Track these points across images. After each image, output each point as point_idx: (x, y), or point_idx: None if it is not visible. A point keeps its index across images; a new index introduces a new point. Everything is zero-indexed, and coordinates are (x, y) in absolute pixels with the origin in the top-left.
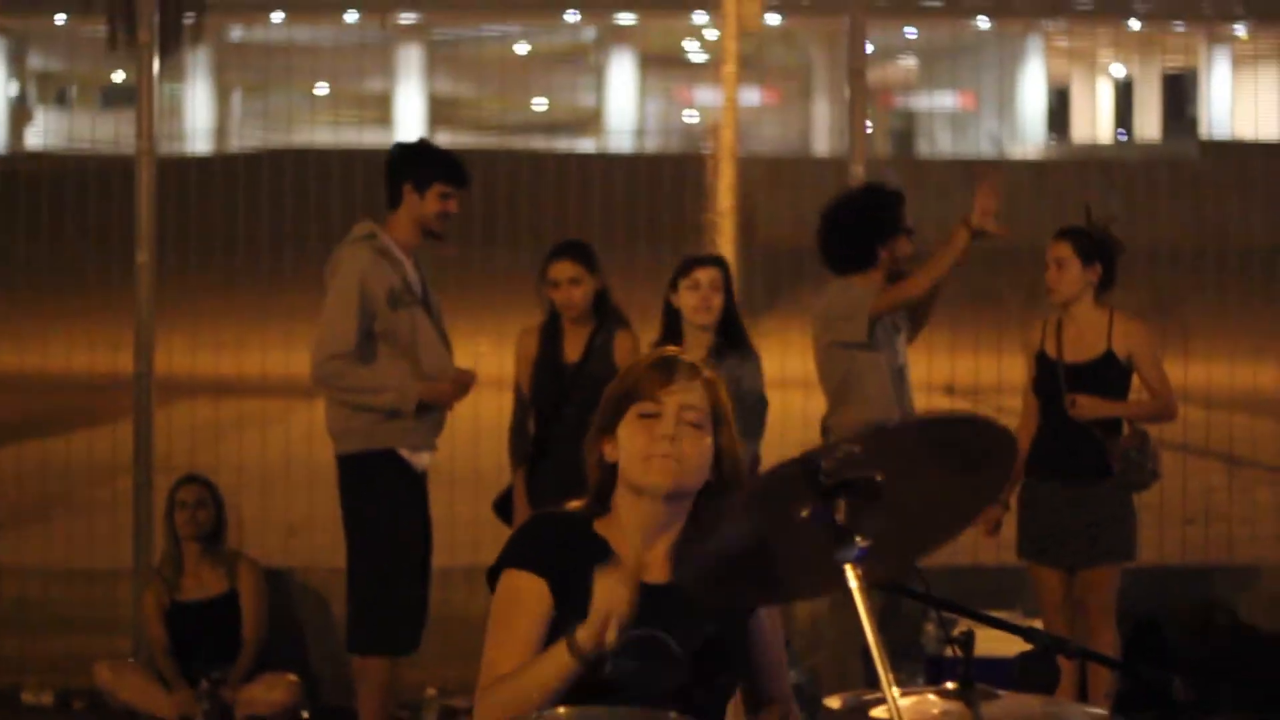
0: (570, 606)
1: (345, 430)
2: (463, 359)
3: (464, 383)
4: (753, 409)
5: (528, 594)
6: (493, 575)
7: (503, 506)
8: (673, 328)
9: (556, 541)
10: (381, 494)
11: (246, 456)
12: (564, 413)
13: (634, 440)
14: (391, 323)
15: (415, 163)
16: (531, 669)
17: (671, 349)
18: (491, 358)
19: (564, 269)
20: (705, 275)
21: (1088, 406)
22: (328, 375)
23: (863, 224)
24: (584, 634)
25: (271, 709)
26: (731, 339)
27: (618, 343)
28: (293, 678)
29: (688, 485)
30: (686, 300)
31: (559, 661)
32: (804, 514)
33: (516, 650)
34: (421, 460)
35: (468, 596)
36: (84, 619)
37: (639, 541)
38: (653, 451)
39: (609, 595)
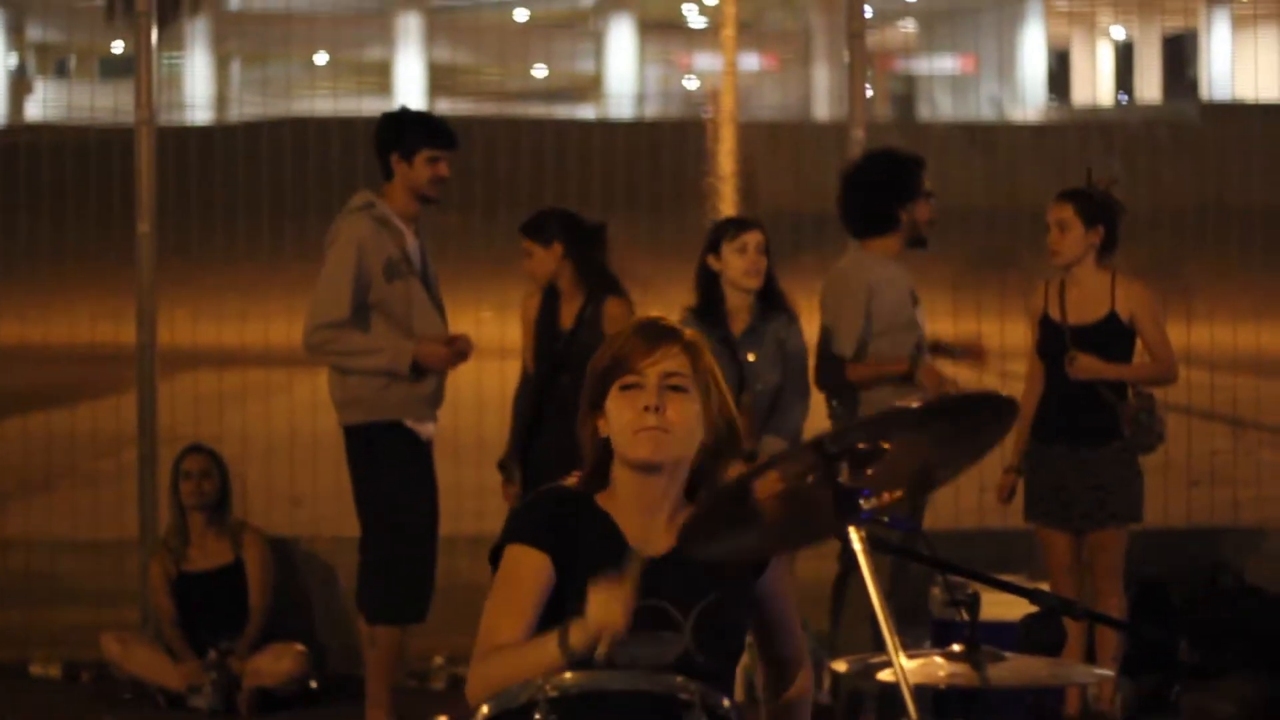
0: (573, 581)
1: (349, 401)
2: (465, 327)
3: (460, 349)
4: (797, 372)
5: (528, 567)
6: (495, 555)
7: (506, 466)
8: (711, 291)
9: (558, 517)
10: (388, 465)
11: (250, 427)
12: (560, 380)
13: (620, 414)
14: (385, 294)
15: (398, 132)
16: (522, 652)
17: (651, 315)
18: (493, 326)
19: (525, 242)
20: (753, 238)
21: (1086, 366)
22: (320, 343)
23: (883, 188)
24: (575, 638)
25: (279, 678)
26: (773, 301)
27: (606, 310)
28: (300, 647)
29: (678, 454)
30: (735, 264)
31: (549, 654)
32: (809, 480)
33: (514, 620)
34: (427, 430)
35: (474, 565)
36: (90, 591)
37: (638, 514)
38: (640, 424)
39: (605, 610)
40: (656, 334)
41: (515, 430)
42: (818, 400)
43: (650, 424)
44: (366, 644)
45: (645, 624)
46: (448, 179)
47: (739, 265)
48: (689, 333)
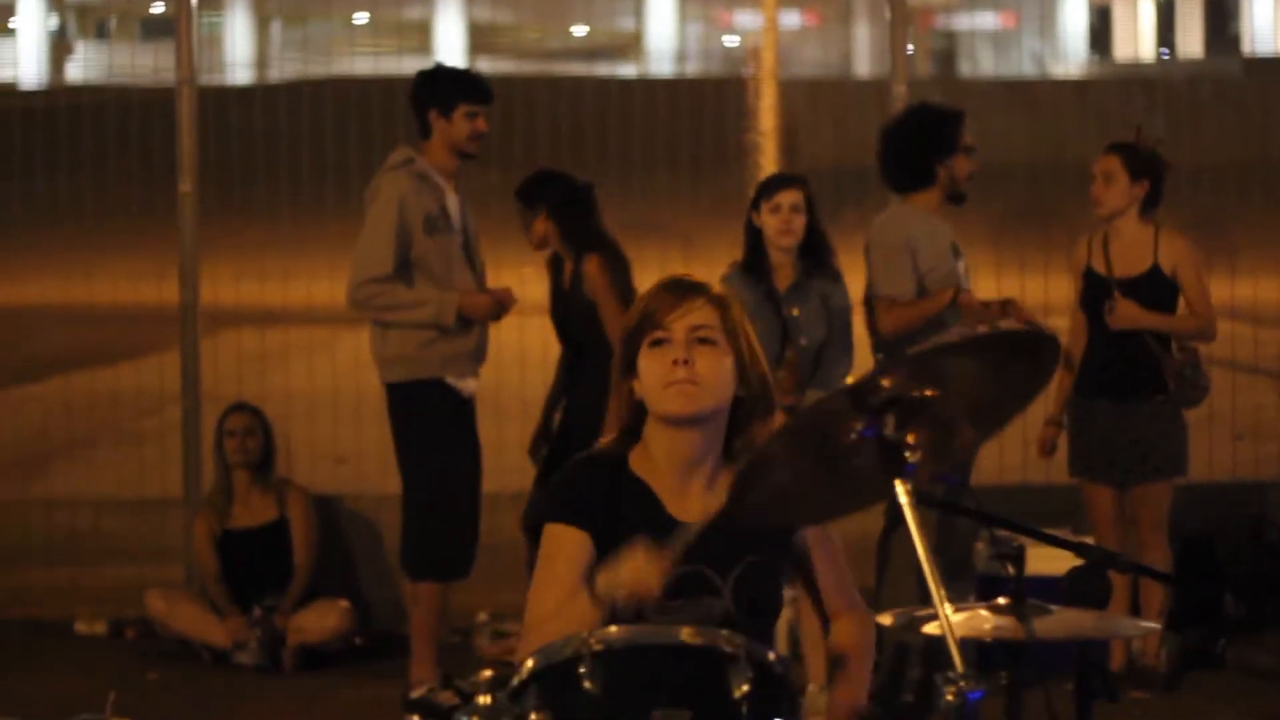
0: (609, 548)
1: (392, 359)
2: (508, 285)
3: (502, 300)
4: (843, 328)
5: (569, 546)
6: (528, 525)
7: (535, 452)
8: (757, 248)
9: (594, 488)
10: (431, 422)
11: (293, 385)
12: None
13: (650, 371)
14: (426, 248)
15: (435, 88)
16: (561, 619)
17: (678, 273)
18: (536, 283)
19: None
20: (786, 198)
21: (1125, 313)
22: (365, 298)
23: (920, 142)
24: (602, 584)
25: (324, 635)
26: (817, 258)
27: (585, 268)
28: (344, 604)
29: (709, 407)
30: (768, 223)
31: (583, 613)
32: (853, 435)
33: (558, 592)
34: (468, 387)
35: (516, 521)
36: (134, 549)
37: (674, 476)
38: (669, 379)
39: (639, 573)
40: (682, 289)
41: (544, 407)
42: (862, 356)
43: (680, 377)
44: (410, 601)
45: (686, 589)
46: (486, 134)
47: (772, 224)
48: (716, 286)
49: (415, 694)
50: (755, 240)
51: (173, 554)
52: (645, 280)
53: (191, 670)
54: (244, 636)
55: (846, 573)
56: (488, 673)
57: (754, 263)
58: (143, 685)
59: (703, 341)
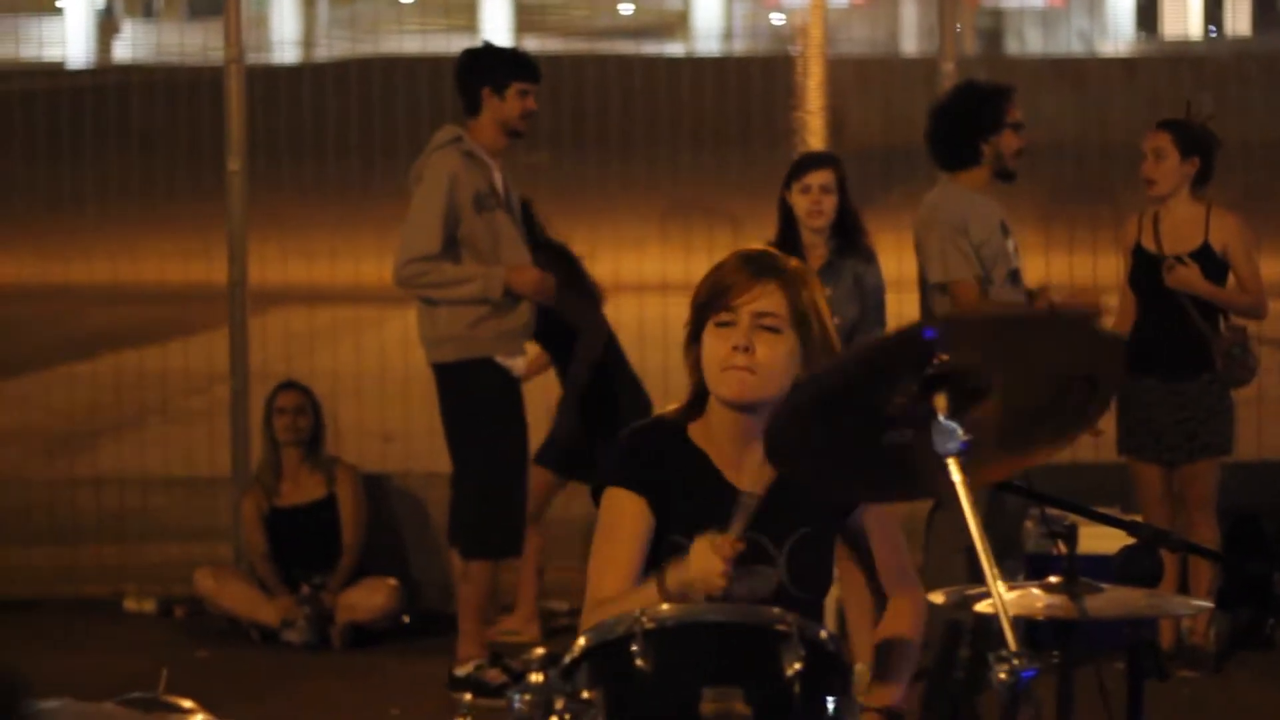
0: (670, 517)
1: (441, 339)
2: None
3: (549, 275)
4: (876, 307)
5: (628, 514)
6: (596, 491)
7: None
8: (789, 227)
9: (653, 455)
10: (481, 402)
11: (341, 364)
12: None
13: (712, 350)
14: (474, 226)
15: (489, 65)
16: (626, 600)
17: (754, 247)
18: (584, 263)
19: None
20: (816, 178)
21: (1183, 276)
22: (412, 275)
23: (966, 120)
24: (672, 581)
25: (372, 613)
26: (850, 238)
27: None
28: (393, 582)
29: (765, 395)
30: (799, 203)
31: (649, 600)
32: (904, 400)
33: (618, 568)
34: (517, 365)
35: (564, 500)
36: (183, 527)
37: (732, 449)
38: (728, 363)
39: (705, 565)
40: (757, 269)
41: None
42: None
43: (738, 364)
44: (460, 579)
45: (741, 558)
46: (536, 113)
47: (802, 204)
48: (793, 264)
49: (461, 671)
50: (788, 219)
51: (221, 533)
52: (695, 264)
53: (240, 648)
54: (293, 614)
55: (905, 553)
56: (540, 650)
57: (786, 242)
58: (192, 663)
59: (767, 328)
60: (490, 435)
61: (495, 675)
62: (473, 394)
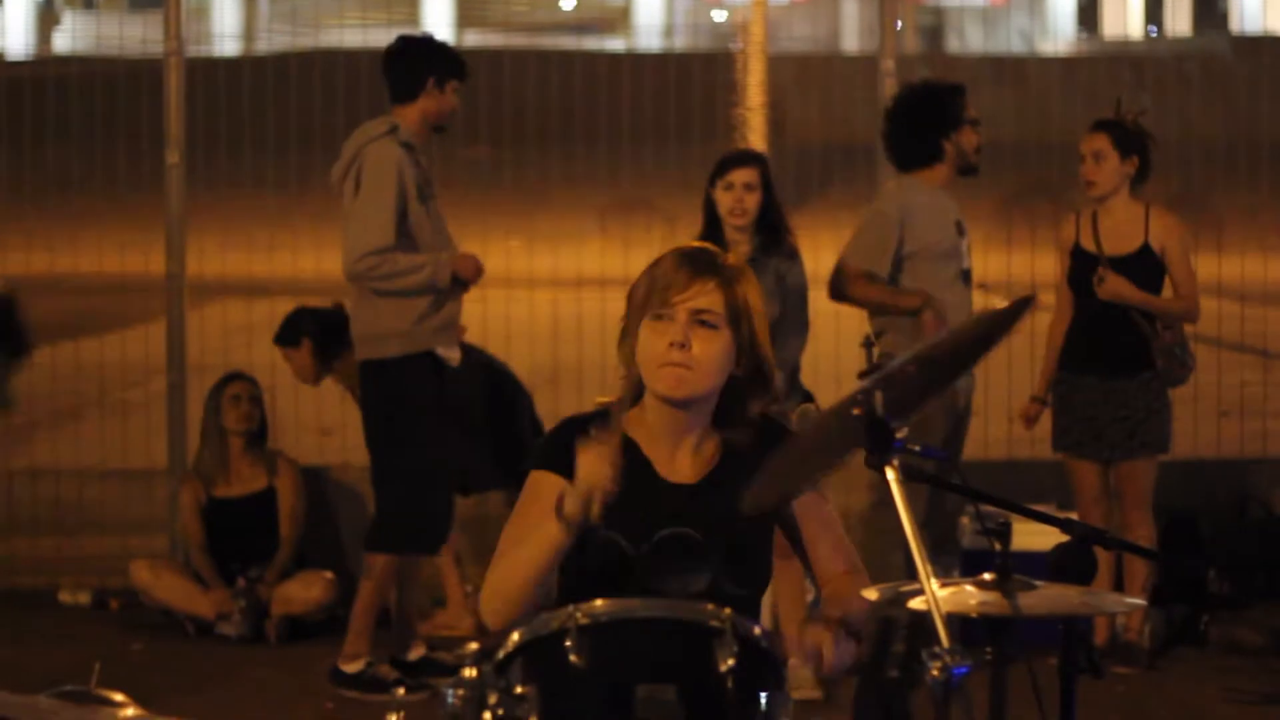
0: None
1: (385, 334)
2: (494, 257)
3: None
4: (798, 306)
5: (546, 490)
6: (521, 477)
7: None
8: (714, 224)
9: (581, 440)
10: (422, 396)
11: (279, 357)
12: None
13: (648, 345)
14: (419, 217)
15: (435, 56)
16: (523, 546)
17: (693, 244)
18: (521, 256)
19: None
20: (739, 176)
21: (1115, 286)
22: (366, 269)
23: (925, 119)
24: (569, 506)
25: (308, 606)
26: (773, 236)
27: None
28: (329, 575)
29: (699, 390)
30: (722, 200)
31: (548, 533)
32: (855, 412)
33: (520, 534)
34: (454, 357)
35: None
36: (119, 519)
37: (665, 441)
38: (665, 359)
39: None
40: (695, 266)
41: None
42: (818, 331)
43: (674, 359)
44: (369, 573)
45: (673, 552)
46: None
47: (724, 202)
48: (730, 260)
49: (350, 668)
50: (712, 216)
51: (157, 525)
52: (634, 259)
53: (175, 641)
54: (228, 607)
55: (844, 537)
56: (473, 645)
57: (710, 239)
58: (127, 656)
59: (703, 324)
60: (425, 430)
61: (387, 671)
62: (414, 388)
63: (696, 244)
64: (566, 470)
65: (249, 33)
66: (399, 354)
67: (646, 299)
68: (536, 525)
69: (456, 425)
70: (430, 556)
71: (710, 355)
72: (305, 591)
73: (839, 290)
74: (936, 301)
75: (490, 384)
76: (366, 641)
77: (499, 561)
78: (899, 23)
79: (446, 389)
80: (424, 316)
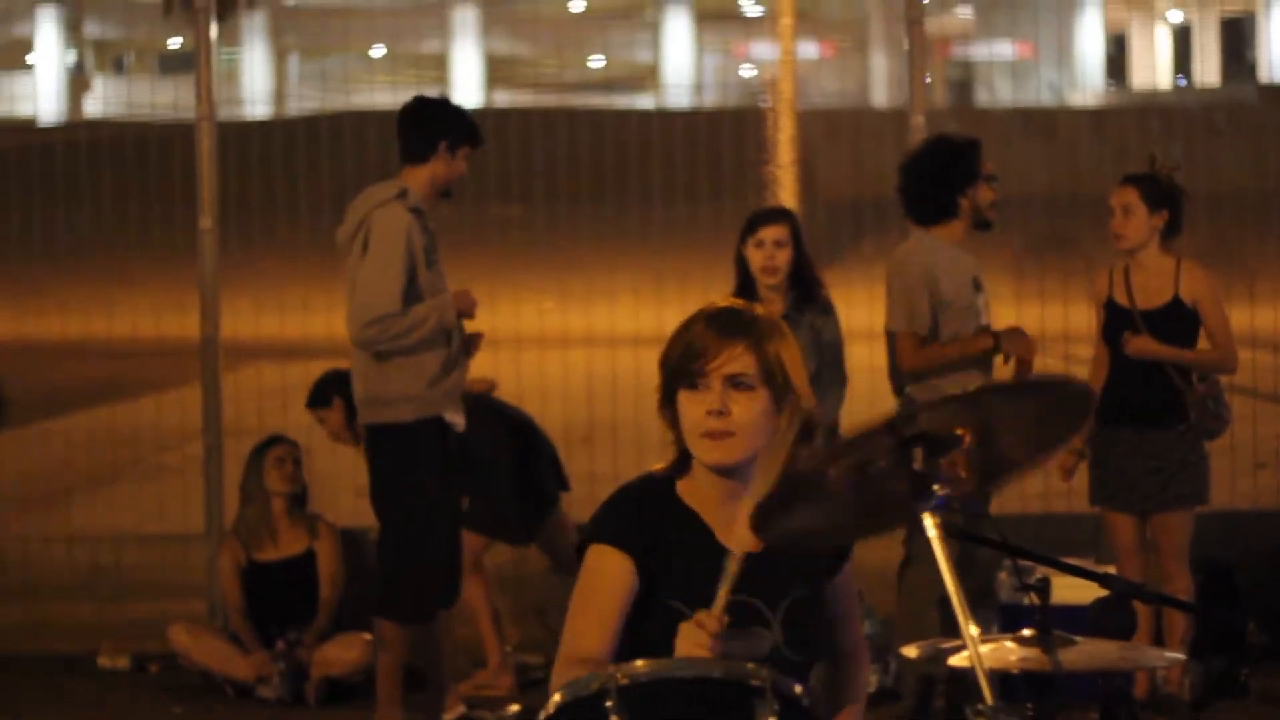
0: (662, 578)
1: (394, 398)
2: (528, 316)
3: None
4: (834, 358)
5: (610, 571)
6: (580, 547)
7: None
8: (747, 281)
9: (644, 513)
10: (431, 461)
11: (314, 419)
12: None
13: (688, 415)
14: (427, 281)
15: (451, 120)
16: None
17: (721, 304)
18: (555, 315)
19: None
20: (770, 233)
21: (1140, 347)
22: (371, 338)
23: (941, 175)
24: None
25: (347, 668)
26: (807, 291)
27: None
28: (367, 636)
29: (745, 454)
30: (753, 258)
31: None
32: (881, 464)
33: (597, 628)
34: (460, 423)
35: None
36: (157, 583)
37: (720, 505)
38: (705, 427)
39: (691, 644)
40: (724, 330)
41: None
42: (857, 386)
43: (714, 428)
44: (378, 639)
45: (736, 620)
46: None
47: (756, 260)
48: (760, 313)
49: None
50: (745, 273)
51: (194, 589)
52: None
53: (215, 704)
54: (268, 670)
55: (858, 615)
56: (515, 706)
57: (743, 296)
58: None
59: (738, 387)
60: (433, 495)
61: None
62: (423, 453)
63: (725, 303)
64: (627, 544)
65: (279, 95)
66: (410, 419)
67: (680, 367)
68: (605, 623)
69: (477, 480)
70: (440, 616)
71: (749, 418)
72: (344, 653)
73: (903, 364)
74: (1006, 332)
75: (506, 430)
76: (397, 706)
77: (575, 671)
78: (928, 76)
79: (453, 449)
80: (434, 381)
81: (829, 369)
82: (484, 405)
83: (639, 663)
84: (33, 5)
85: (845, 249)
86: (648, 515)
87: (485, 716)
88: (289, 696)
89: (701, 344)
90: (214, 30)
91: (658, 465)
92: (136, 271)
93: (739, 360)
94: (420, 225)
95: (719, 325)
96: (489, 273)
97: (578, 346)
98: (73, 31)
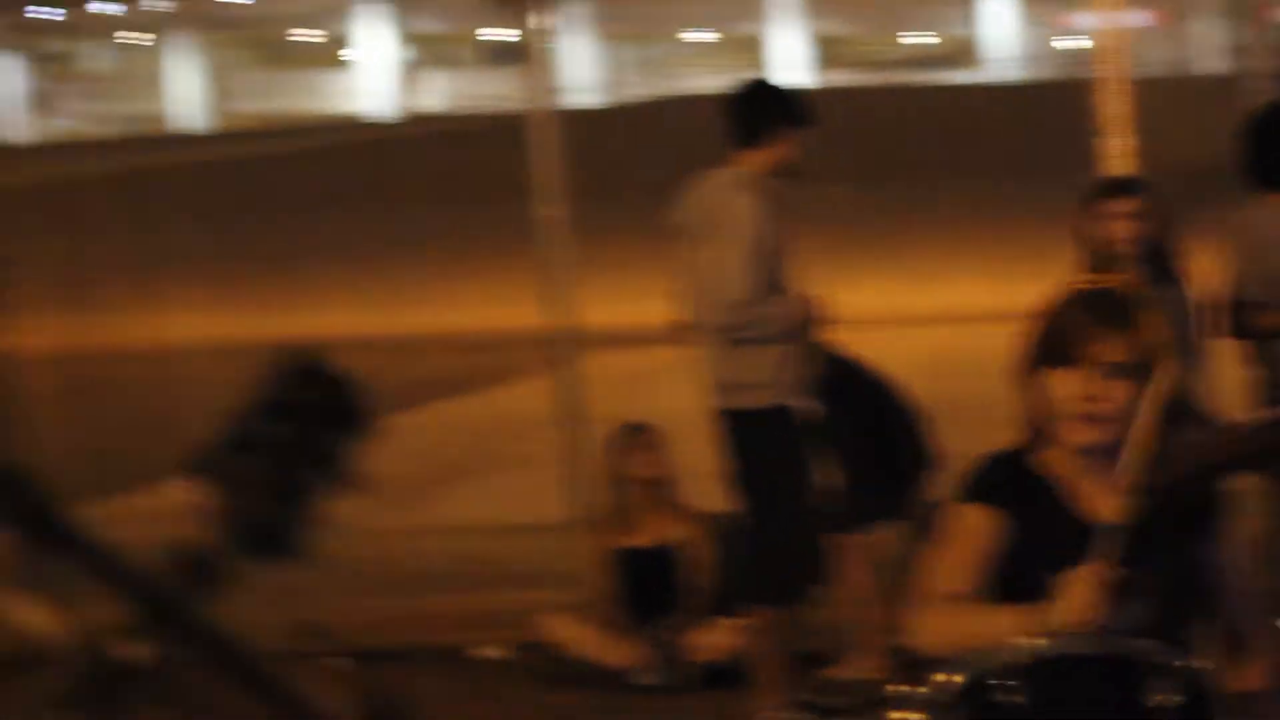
0: (1023, 550)
1: (749, 384)
2: (864, 295)
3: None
4: (1184, 335)
5: (983, 525)
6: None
7: None
8: (1093, 256)
9: (1011, 480)
10: (790, 446)
11: (663, 405)
12: None
13: (1059, 395)
14: (775, 264)
15: (786, 103)
16: (985, 617)
17: (1094, 286)
18: (896, 294)
19: None
20: (1119, 205)
21: None
22: (733, 323)
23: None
24: (1040, 620)
25: (723, 655)
26: (1162, 265)
27: None
28: (741, 621)
29: (1117, 435)
30: (1102, 231)
31: (1006, 624)
32: None
33: (964, 572)
34: (809, 408)
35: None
36: (524, 573)
37: (1082, 484)
38: (1076, 410)
39: (1077, 598)
40: (1100, 316)
41: None
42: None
43: (1089, 411)
44: (756, 628)
45: (1118, 595)
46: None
47: (1105, 232)
48: (1134, 299)
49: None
50: (1089, 248)
51: (562, 578)
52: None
53: (589, 692)
54: (645, 656)
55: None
56: (910, 688)
57: (1097, 271)
58: (544, 709)
59: (1114, 374)
60: (791, 479)
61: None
62: (781, 437)
63: (1100, 284)
64: (998, 504)
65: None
66: (767, 405)
67: (1051, 346)
68: (966, 565)
69: (834, 459)
70: (810, 599)
71: (1120, 404)
72: (720, 639)
73: (1242, 327)
74: None
75: (872, 406)
76: (777, 689)
77: (950, 611)
78: (1251, 40)
79: (807, 431)
80: (783, 367)
81: (1181, 345)
82: (854, 380)
83: (1040, 640)
84: (350, 2)
85: (1176, 218)
86: (1011, 483)
87: (812, 699)
88: (668, 682)
89: (1079, 328)
90: (544, 20)
91: (1009, 441)
92: (477, 263)
93: (1114, 346)
94: (768, 209)
95: (1095, 310)
96: (821, 253)
97: (914, 324)
98: (402, 27)
